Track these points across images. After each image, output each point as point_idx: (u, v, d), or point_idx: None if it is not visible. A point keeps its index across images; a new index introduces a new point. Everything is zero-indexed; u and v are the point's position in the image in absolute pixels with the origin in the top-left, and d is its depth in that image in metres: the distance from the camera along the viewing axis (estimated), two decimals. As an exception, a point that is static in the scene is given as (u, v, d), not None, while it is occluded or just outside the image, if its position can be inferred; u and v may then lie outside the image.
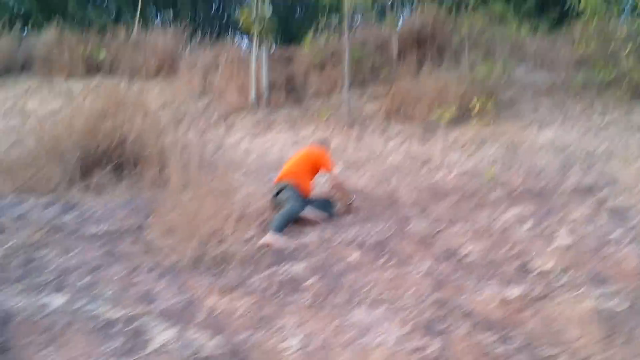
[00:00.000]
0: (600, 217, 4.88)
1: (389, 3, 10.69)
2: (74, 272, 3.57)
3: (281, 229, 4.53)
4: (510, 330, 3.19)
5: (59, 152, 5.55)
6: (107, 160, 5.58)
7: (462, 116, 8.36)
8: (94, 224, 4.41)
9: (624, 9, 8.99)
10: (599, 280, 3.71)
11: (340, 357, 2.90)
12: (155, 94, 10.16)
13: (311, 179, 5.33)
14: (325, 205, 5.20)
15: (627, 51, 8.18)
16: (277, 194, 5.11)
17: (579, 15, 8.92)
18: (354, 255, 4.18)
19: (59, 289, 3.31)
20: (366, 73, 10.03)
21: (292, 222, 4.89)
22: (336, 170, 5.39)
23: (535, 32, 10.35)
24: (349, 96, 8.84)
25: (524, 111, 8.38)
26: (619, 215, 4.95)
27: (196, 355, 2.76)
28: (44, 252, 3.81)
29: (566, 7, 9.57)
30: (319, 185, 6.11)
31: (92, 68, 11.25)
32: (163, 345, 2.79)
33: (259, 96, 9.49)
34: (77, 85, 10.55)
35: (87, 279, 3.48)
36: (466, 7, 9.87)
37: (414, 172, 6.90)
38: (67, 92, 10.09)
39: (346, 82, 8.81)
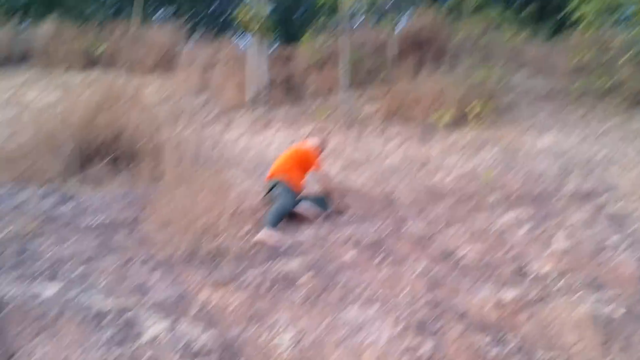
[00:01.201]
0: (598, 222, 4.87)
1: (388, 6, 10.67)
2: (68, 262, 3.54)
3: (274, 224, 4.50)
4: (504, 332, 3.17)
5: (56, 144, 5.52)
6: (104, 153, 5.54)
7: (461, 119, 8.35)
8: (89, 215, 4.38)
9: (620, 19, 8.99)
10: (595, 285, 3.70)
11: (332, 355, 2.88)
12: (153, 89, 10.13)
13: (302, 176, 5.29)
14: (321, 202, 5.17)
15: (623, 60, 8.18)
16: (269, 191, 5.08)
17: (575, 23, 8.94)
18: (350, 254, 4.16)
19: (52, 278, 3.29)
20: (364, 74, 10.01)
21: (287, 219, 4.87)
22: (324, 168, 5.35)
23: (533, 38, 10.36)
24: (348, 96, 8.82)
25: (522, 116, 8.38)
26: (617, 221, 4.94)
27: (188, 348, 2.73)
28: (38, 241, 3.78)
29: (563, 15, 9.59)
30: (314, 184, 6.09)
31: (91, 61, 11.22)
32: (155, 338, 2.77)
33: (257, 94, 9.46)
34: (75, 78, 10.52)
35: (81, 269, 3.45)
36: (464, 11, 9.87)
37: (411, 174, 6.88)
38: (65, 84, 10.04)
39: (345, 83, 8.78)
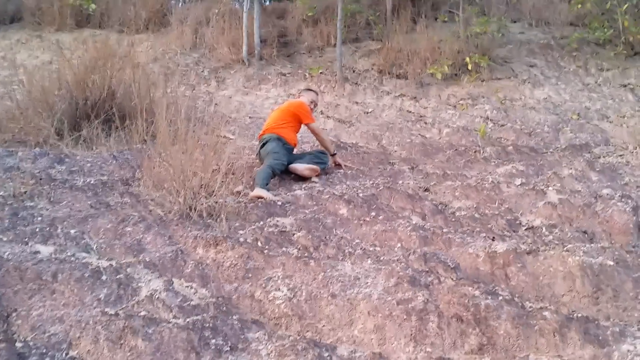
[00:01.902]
0: (591, 174, 4.90)
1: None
2: (63, 222, 3.55)
3: (266, 183, 4.51)
4: (496, 284, 3.22)
5: (48, 105, 5.48)
6: (97, 113, 5.50)
7: (456, 73, 8.29)
8: (83, 176, 4.38)
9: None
10: (587, 237, 3.75)
11: (327, 308, 2.93)
12: (145, 48, 10.01)
13: (295, 131, 5.26)
14: (317, 158, 5.15)
15: (623, 9, 8.08)
16: (262, 147, 5.06)
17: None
18: (343, 210, 4.19)
19: (48, 238, 3.31)
20: (359, 29, 9.89)
21: (283, 174, 4.88)
22: (314, 121, 5.31)
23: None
24: (342, 52, 8.73)
25: (518, 69, 8.32)
26: (610, 173, 4.96)
27: (185, 305, 2.78)
28: (32, 202, 3.79)
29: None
30: (312, 140, 6.09)
31: (82, 21, 11.06)
32: (151, 295, 2.80)
33: (250, 51, 9.36)
34: (67, 38, 10.38)
35: (76, 229, 3.47)
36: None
37: (406, 129, 6.87)
38: (56, 44, 9.91)
39: (339, 38, 8.68)
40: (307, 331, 2.85)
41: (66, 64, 5.89)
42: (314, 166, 4.98)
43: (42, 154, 4.73)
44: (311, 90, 5.84)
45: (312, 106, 5.54)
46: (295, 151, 5.32)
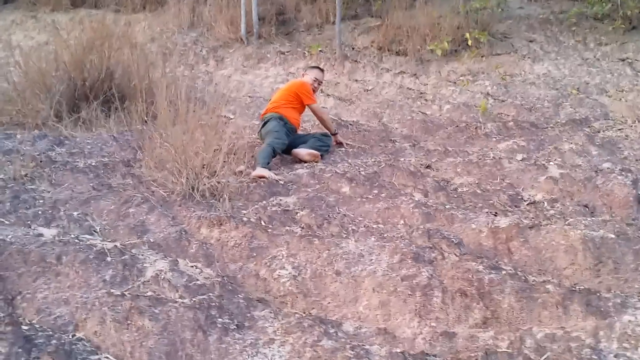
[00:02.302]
0: (591, 149, 4.90)
1: None
2: (66, 204, 3.56)
3: (266, 163, 4.49)
4: (499, 259, 3.24)
5: (46, 86, 5.46)
6: (95, 94, 5.49)
7: (456, 50, 8.25)
8: (83, 157, 4.38)
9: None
10: (588, 210, 3.76)
11: (332, 286, 2.95)
12: (142, 27, 9.94)
13: (297, 112, 5.22)
14: (321, 140, 5.10)
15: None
16: (263, 126, 5.04)
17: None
18: (346, 188, 4.19)
19: (50, 220, 3.31)
20: (358, 6, 9.81)
21: (283, 155, 4.87)
22: (316, 102, 5.28)
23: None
24: (341, 29, 8.66)
25: (517, 44, 8.27)
26: (610, 147, 4.96)
27: (190, 285, 2.79)
28: (34, 185, 3.79)
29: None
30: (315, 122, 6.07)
31: (77, 1, 10.97)
32: (157, 276, 2.82)
33: (249, 30, 9.28)
34: (62, 18, 10.30)
35: (79, 210, 3.48)
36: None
37: (406, 106, 6.85)
38: (52, 25, 9.83)
39: (338, 15, 8.61)
40: (313, 308, 2.87)
41: (63, 44, 5.85)
42: (315, 152, 4.92)
43: (41, 136, 4.72)
44: (316, 67, 5.77)
45: (315, 84, 5.49)
46: (298, 132, 5.29)
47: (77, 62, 5.64)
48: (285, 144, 4.87)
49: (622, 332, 2.50)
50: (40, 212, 3.38)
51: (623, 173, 4.00)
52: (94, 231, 3.30)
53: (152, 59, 6.82)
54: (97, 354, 2.29)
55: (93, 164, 4.19)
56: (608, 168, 4.21)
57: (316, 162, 4.85)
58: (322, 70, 5.77)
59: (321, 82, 5.69)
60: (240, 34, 9.20)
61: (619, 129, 5.52)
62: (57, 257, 2.84)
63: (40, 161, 4.12)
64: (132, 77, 5.70)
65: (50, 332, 2.35)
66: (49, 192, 3.74)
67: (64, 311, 2.57)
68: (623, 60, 7.56)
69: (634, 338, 2.46)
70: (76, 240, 2.99)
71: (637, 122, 5.59)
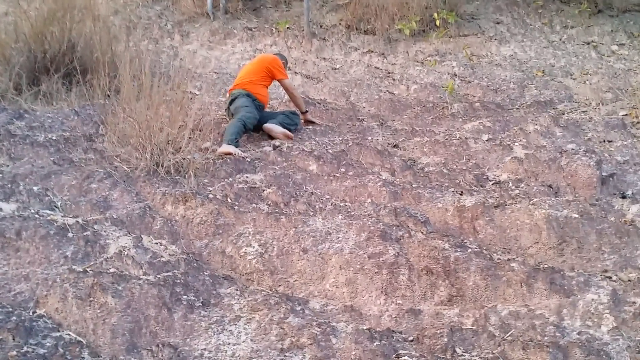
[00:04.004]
0: (555, 130, 4.96)
1: None
2: (25, 179, 3.45)
3: (234, 140, 4.40)
4: (464, 237, 3.27)
5: (5, 58, 5.26)
6: (56, 67, 5.30)
7: (424, 30, 8.24)
8: (44, 132, 4.24)
9: None
10: (552, 190, 3.81)
11: (299, 263, 2.94)
12: None
13: (266, 87, 5.13)
14: (290, 118, 5.03)
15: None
16: (231, 103, 4.94)
17: None
18: (313, 166, 4.17)
19: (10, 195, 3.21)
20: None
21: (251, 132, 4.79)
22: (288, 77, 5.20)
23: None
24: (309, 7, 8.56)
25: (485, 26, 8.31)
26: (574, 129, 5.04)
27: (154, 262, 2.74)
28: (-8, 159, 3.67)
29: None
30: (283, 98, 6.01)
31: (36, -30, 10.57)
32: (120, 252, 2.76)
33: (215, 4, 9.10)
34: (21, -11, 9.93)
35: (39, 185, 3.38)
36: None
37: (374, 85, 6.83)
38: (10, -5, 9.47)
39: (306, -8, 8.50)
40: (279, 286, 2.85)
41: (23, 15, 5.64)
42: (290, 133, 4.85)
43: (0, 109, 4.56)
44: (281, 54, 5.67)
45: (284, 62, 5.41)
46: (266, 110, 5.20)
47: (38, 33, 5.44)
48: (257, 119, 4.77)
49: (585, 310, 2.56)
50: (-2, 187, 3.27)
51: (587, 154, 4.06)
52: (55, 206, 3.21)
53: (115, 32, 6.62)
54: (58, 331, 2.23)
55: (54, 138, 4.07)
56: (572, 149, 4.28)
57: (289, 140, 4.78)
58: (286, 61, 5.66)
59: (286, 62, 5.61)
60: (206, 8, 9.02)
61: (583, 111, 5.60)
62: (17, 232, 2.76)
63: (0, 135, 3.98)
64: (95, 51, 5.53)
65: (10, 309, 2.28)
66: (7, 166, 3.62)
67: (24, 287, 2.51)
68: (588, 43, 7.67)
69: (597, 316, 2.52)
70: (36, 216, 2.91)
71: (601, 104, 5.68)
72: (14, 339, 2.11)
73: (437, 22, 8.00)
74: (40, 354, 2.06)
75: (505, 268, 2.81)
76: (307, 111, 5.29)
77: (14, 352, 2.04)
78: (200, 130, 4.24)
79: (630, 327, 2.44)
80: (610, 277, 2.80)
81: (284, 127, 4.85)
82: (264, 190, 3.67)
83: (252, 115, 4.72)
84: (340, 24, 8.75)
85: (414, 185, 3.82)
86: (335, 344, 2.33)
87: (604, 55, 7.37)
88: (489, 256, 2.91)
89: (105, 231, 2.95)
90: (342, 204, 3.54)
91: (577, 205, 3.39)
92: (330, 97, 6.50)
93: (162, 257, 2.81)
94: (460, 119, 5.50)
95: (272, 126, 4.80)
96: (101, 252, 2.78)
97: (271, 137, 4.81)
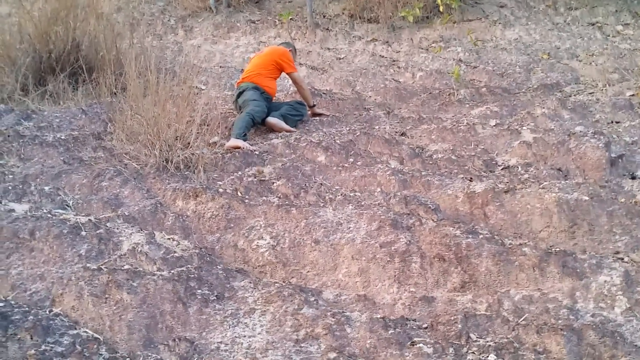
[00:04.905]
0: (563, 113, 4.94)
1: None
2: (36, 179, 3.48)
3: (243, 133, 4.41)
4: (475, 223, 3.27)
5: (11, 59, 5.28)
6: (62, 66, 5.33)
7: (428, 16, 8.21)
8: (52, 131, 4.26)
9: None
10: (562, 173, 3.80)
11: (311, 254, 2.95)
12: (108, -3, 9.65)
13: (273, 80, 5.12)
14: (295, 109, 5.03)
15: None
16: (239, 96, 4.94)
17: None
18: (322, 157, 4.17)
19: (21, 196, 3.23)
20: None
21: (258, 126, 4.79)
22: (297, 71, 5.19)
23: None
24: (312, -4, 8.54)
25: (488, 10, 8.26)
26: (582, 111, 5.02)
27: (168, 257, 2.76)
28: (2, 160, 3.69)
29: None
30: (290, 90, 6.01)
31: (38, -30, 10.59)
32: (134, 249, 2.78)
33: (218, -3, 9.10)
34: (23, -11, 9.94)
35: (50, 185, 3.40)
36: None
37: (379, 74, 6.81)
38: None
39: (308, -18, 8.47)
40: (292, 277, 2.87)
41: (26, 15, 5.66)
42: (293, 129, 4.84)
43: (8, 110, 4.59)
44: (289, 43, 5.65)
45: (293, 54, 5.39)
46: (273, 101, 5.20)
47: (42, 33, 5.46)
48: (265, 112, 4.77)
49: (598, 292, 2.56)
50: (10, 188, 3.29)
51: (595, 136, 4.05)
52: (67, 205, 3.24)
53: (119, 29, 6.63)
54: (75, 328, 2.25)
55: (63, 137, 4.09)
56: (580, 131, 4.26)
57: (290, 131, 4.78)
58: (295, 50, 5.64)
59: (295, 53, 5.59)
60: (208, 2, 9.01)
61: (590, 93, 5.57)
62: (30, 232, 2.78)
63: (8, 136, 4.00)
64: (100, 49, 5.54)
65: (27, 308, 2.30)
66: (18, 167, 3.64)
67: (39, 287, 2.53)
68: (593, 24, 7.61)
69: (610, 298, 2.52)
70: (49, 215, 2.93)
71: (607, 85, 5.65)
72: (31, 338, 2.13)
73: (441, 8, 7.97)
74: (59, 352, 2.09)
75: (517, 253, 2.82)
76: (314, 105, 5.27)
77: (32, 351, 2.06)
78: (207, 125, 4.25)
79: (644, 307, 2.44)
80: (622, 259, 2.80)
81: (288, 117, 4.86)
82: (273, 182, 3.68)
83: (261, 109, 4.72)
84: (343, 13, 8.72)
85: (423, 173, 3.82)
86: (350, 333, 2.35)
87: (609, 36, 7.32)
88: (500, 241, 2.91)
89: (117, 228, 2.97)
90: (352, 194, 3.55)
91: (587, 188, 3.39)
92: (335, 87, 6.49)
93: (175, 252, 2.83)
94: (467, 105, 5.48)
95: (274, 121, 4.80)
96: (115, 249, 2.80)
97: (273, 131, 4.81)
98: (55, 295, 2.47)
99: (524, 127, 4.47)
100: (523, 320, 2.44)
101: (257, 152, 4.19)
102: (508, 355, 2.24)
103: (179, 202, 3.40)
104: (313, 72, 7.03)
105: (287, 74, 5.11)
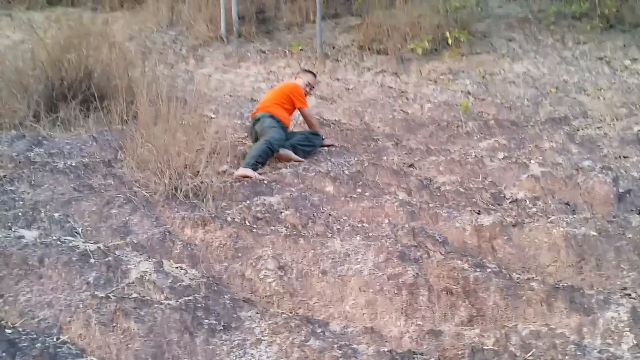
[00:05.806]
0: (571, 147, 4.95)
1: None
2: (46, 205, 3.50)
3: (254, 163, 4.43)
4: (483, 257, 3.26)
5: (23, 86, 5.37)
6: (74, 93, 5.41)
7: (436, 48, 8.30)
8: (63, 158, 4.31)
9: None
10: (569, 207, 3.80)
11: (318, 285, 2.94)
12: (120, 26, 9.83)
13: (288, 112, 5.17)
14: (308, 139, 5.07)
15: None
16: (254, 125, 4.98)
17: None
18: (330, 187, 4.19)
19: (31, 222, 3.26)
20: (339, 4, 9.82)
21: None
22: (307, 106, 5.26)
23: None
24: (321, 28, 8.66)
25: (497, 43, 8.34)
26: (590, 145, 5.03)
27: (176, 286, 2.76)
28: (13, 186, 3.73)
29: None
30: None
31: (53, -2, 10.82)
32: (142, 277, 2.79)
33: (229, 28, 9.24)
34: (38, 17, 10.15)
35: (60, 212, 3.43)
36: None
37: (388, 105, 6.87)
38: (28, 23, 9.67)
39: (318, 14, 8.60)
40: (299, 308, 2.86)
41: (40, 43, 5.77)
42: (302, 159, 4.86)
43: (19, 136, 4.65)
44: (309, 72, 5.73)
45: (307, 89, 5.45)
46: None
47: (55, 61, 5.56)
48: (284, 140, 4.80)
49: (605, 328, 2.54)
50: (20, 214, 3.32)
51: (603, 171, 4.05)
52: (76, 233, 3.26)
53: (131, 58, 6.75)
54: (82, 356, 2.25)
55: (73, 164, 4.13)
56: (588, 166, 4.26)
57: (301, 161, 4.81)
58: (315, 75, 5.72)
59: (313, 87, 5.66)
60: (220, 32, 9.15)
61: (598, 127, 5.59)
62: (39, 259, 2.80)
63: (19, 162, 4.05)
64: (111, 77, 5.63)
65: (35, 336, 2.31)
66: (28, 193, 3.68)
67: (47, 314, 2.53)
68: (601, 58, 7.67)
69: (617, 334, 2.49)
70: (58, 242, 2.95)
71: (615, 120, 5.67)
72: (39, 366, 2.14)
73: (450, 41, 8.06)
74: (65, 380, 2.09)
75: (524, 287, 2.80)
76: (324, 138, 5.32)
77: (40, 379, 2.06)
78: (217, 154, 4.28)
79: (653, 345, 2.42)
80: (630, 295, 2.78)
81: (297, 148, 4.91)
82: (281, 212, 3.69)
83: (280, 137, 4.75)
84: (352, 44, 8.83)
85: (430, 205, 3.82)
86: (357, 366, 2.33)
87: (617, 71, 7.37)
88: (508, 275, 2.90)
89: (126, 256, 2.98)
90: (359, 225, 3.56)
91: (594, 223, 3.38)
92: (344, 117, 6.54)
93: (182, 281, 2.83)
94: (475, 137, 5.51)
95: (282, 152, 4.83)
96: (123, 277, 2.81)
97: (280, 161, 4.83)
98: (63, 322, 2.47)
99: (532, 161, 4.48)
100: (530, 355, 2.42)
101: (265, 182, 4.21)
102: (516, 392, 2.22)
103: (187, 231, 3.41)
104: (322, 102, 7.09)
105: (297, 109, 5.20)
